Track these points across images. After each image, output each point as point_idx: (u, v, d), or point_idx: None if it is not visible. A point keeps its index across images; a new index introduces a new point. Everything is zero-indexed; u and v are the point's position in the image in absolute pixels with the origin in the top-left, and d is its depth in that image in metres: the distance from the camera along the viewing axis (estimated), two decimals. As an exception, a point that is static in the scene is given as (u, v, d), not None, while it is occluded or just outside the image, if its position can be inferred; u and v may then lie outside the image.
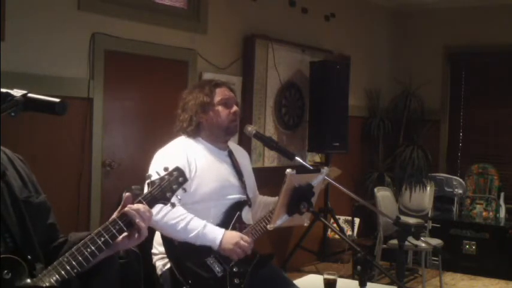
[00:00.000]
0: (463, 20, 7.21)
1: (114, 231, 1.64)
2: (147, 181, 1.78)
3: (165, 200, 1.78)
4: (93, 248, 1.60)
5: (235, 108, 2.89)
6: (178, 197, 1.85)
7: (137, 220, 1.66)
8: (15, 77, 3.60)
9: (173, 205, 1.83)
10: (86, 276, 1.64)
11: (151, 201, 1.74)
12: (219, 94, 2.88)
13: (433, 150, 6.98)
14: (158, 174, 1.80)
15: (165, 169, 1.82)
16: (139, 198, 1.73)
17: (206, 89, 2.88)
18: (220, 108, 2.86)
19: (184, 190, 1.86)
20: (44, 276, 1.55)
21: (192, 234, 2.64)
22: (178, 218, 2.63)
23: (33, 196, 1.71)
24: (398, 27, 7.62)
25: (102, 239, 1.62)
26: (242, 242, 2.67)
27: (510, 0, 6.81)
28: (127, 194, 1.70)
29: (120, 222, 1.65)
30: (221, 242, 2.66)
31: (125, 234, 1.67)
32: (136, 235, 1.68)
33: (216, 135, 2.89)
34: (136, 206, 1.68)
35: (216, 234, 2.67)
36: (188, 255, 2.64)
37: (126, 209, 1.66)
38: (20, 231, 1.62)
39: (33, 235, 1.65)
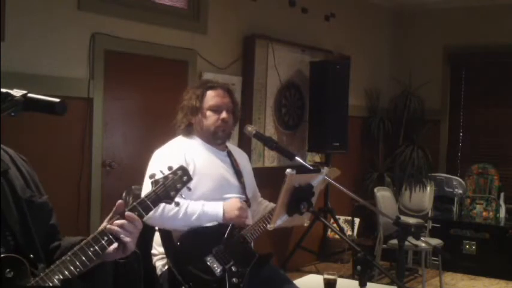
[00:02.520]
0: (463, 20, 7.21)
1: (104, 242, 1.62)
2: (151, 180, 1.76)
3: (169, 199, 1.76)
4: (83, 258, 1.59)
5: (224, 115, 2.86)
6: (183, 196, 1.84)
7: (122, 236, 1.64)
8: (15, 77, 3.60)
9: (177, 204, 1.80)
10: (87, 276, 1.64)
11: (155, 200, 1.72)
12: (211, 99, 2.87)
13: (433, 150, 6.98)
14: (162, 173, 1.78)
15: (169, 168, 1.80)
16: (143, 197, 1.72)
17: (199, 91, 2.88)
18: (208, 113, 2.86)
19: (189, 189, 1.84)
20: (46, 275, 1.55)
21: (194, 217, 2.67)
22: (175, 207, 2.63)
23: (36, 196, 1.70)
24: (398, 27, 7.61)
25: (92, 249, 1.60)
26: (244, 206, 2.75)
27: (510, 0, 6.81)
28: (119, 201, 1.68)
29: (109, 235, 1.64)
30: (224, 212, 2.70)
31: (115, 246, 1.66)
32: (122, 249, 1.67)
33: (206, 137, 2.90)
34: (120, 221, 1.65)
35: (217, 208, 2.71)
36: (187, 254, 2.64)
37: (108, 226, 1.64)
38: (21, 230, 1.62)
39: (34, 234, 1.64)
